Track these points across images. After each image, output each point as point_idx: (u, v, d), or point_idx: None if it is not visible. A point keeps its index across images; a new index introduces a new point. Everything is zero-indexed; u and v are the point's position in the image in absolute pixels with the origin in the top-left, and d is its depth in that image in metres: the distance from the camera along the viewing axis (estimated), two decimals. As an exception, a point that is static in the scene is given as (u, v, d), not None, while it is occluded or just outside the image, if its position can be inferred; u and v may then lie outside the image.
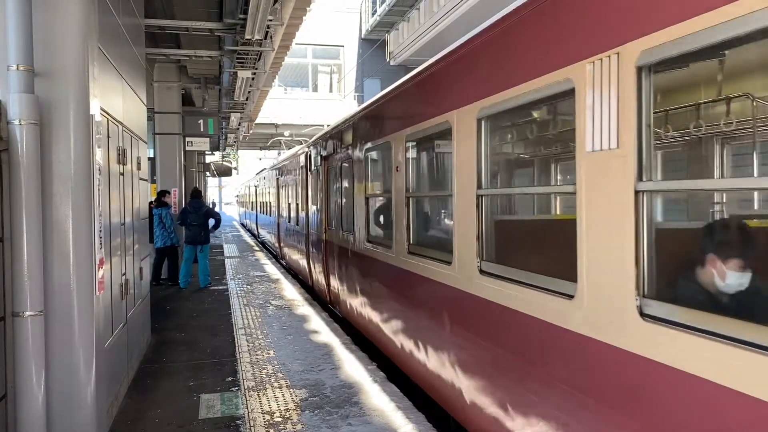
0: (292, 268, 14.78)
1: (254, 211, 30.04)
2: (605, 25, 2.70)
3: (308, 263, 11.70)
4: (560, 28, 3.05)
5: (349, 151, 7.88)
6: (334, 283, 9.18)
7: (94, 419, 4.16)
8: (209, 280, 12.47)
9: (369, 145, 6.92)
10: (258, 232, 27.99)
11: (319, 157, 10.30)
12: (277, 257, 18.59)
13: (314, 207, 10.97)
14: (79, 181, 4.05)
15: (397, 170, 5.72)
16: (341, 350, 7.07)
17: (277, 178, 17.94)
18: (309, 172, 11.49)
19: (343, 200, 8.55)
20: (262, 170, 27.47)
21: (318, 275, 10.67)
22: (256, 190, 28.33)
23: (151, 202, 11.79)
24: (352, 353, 6.92)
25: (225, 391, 5.70)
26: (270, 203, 20.94)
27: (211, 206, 16.40)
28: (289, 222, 14.89)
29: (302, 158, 12.41)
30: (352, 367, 6.38)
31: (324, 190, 9.97)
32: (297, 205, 13.43)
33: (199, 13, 10.32)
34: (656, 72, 2.54)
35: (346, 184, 8.36)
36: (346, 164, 8.24)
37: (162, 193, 12.42)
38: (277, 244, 18.38)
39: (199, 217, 12.11)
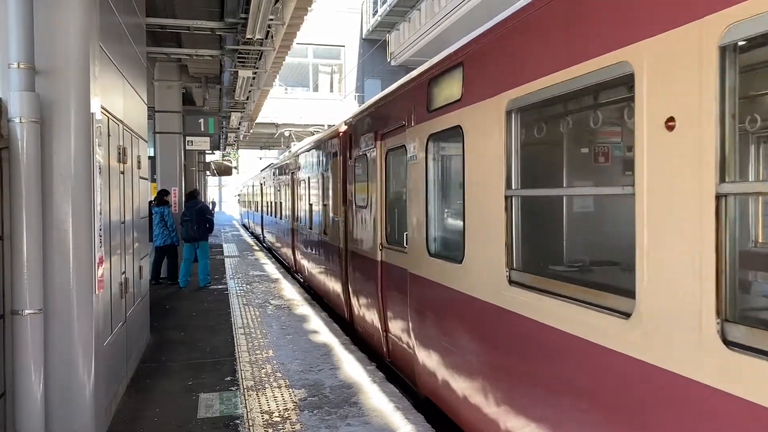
0: (317, 289, 11.04)
1: (259, 211, 25.65)
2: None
3: (346, 291, 8.37)
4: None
5: (450, 114, 4.47)
6: (402, 334, 5.92)
7: (93, 418, 4.16)
8: (209, 279, 12.47)
9: (529, 89, 3.41)
10: (263, 236, 23.98)
11: (370, 137, 6.86)
12: (290, 270, 15.17)
13: (359, 211, 7.55)
14: (80, 180, 4.05)
15: (671, 127, 2.42)
16: (340, 350, 7.07)
17: (292, 173, 14.30)
18: (348, 161, 8.12)
19: (429, 202, 5.12)
20: (269, 165, 23.81)
21: (365, 312, 7.41)
22: (261, 188, 24.06)
23: (150, 201, 11.83)
24: (351, 353, 6.91)
25: (224, 391, 5.70)
26: (281, 204, 16.92)
27: (210, 205, 16.32)
28: (311, 229, 11.43)
29: (335, 143, 8.90)
30: (352, 367, 6.38)
31: (380, 186, 6.64)
32: (325, 207, 9.90)
33: (200, 13, 10.34)
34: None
35: (433, 174, 5.08)
36: (438, 140, 4.99)
37: (163, 192, 12.42)
38: (290, 255, 14.77)
39: (192, 213, 12.10)
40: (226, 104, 17.79)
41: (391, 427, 4.75)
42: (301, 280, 13.22)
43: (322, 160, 10.11)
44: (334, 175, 9.02)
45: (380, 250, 6.63)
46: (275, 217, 18.71)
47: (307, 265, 12.18)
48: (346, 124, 8.38)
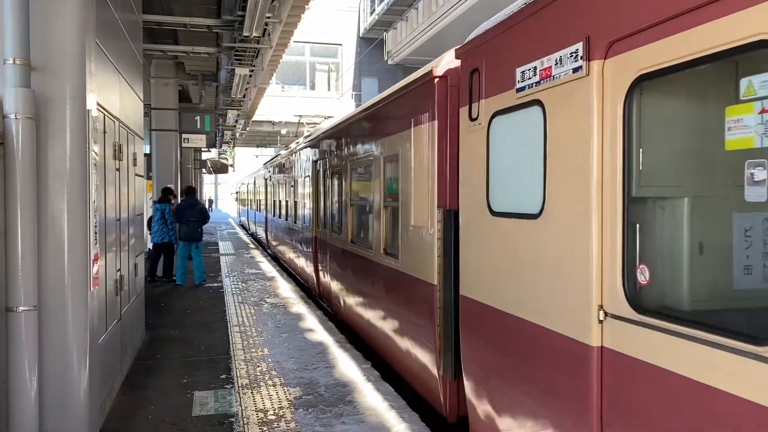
0: (369, 339, 7.01)
1: (263, 211, 21.07)
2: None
3: (450, 371, 4.68)
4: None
5: None
6: None
7: (87, 415, 4.15)
8: (204, 277, 12.46)
9: None
10: (267, 241, 19.79)
11: (565, 58, 3.09)
12: (310, 291, 11.32)
13: (496, 223, 3.85)
14: (75, 177, 4.04)
15: None
16: (336, 349, 7.07)
17: (315, 162, 10.40)
18: (466, 125, 4.29)
19: None
20: (277, 155, 19.35)
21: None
22: (266, 183, 19.66)
23: (160, 199, 11.90)
24: (346, 352, 6.92)
25: (219, 389, 5.70)
26: (295, 203, 13.03)
27: (207, 203, 16.26)
28: (353, 242, 7.81)
29: (422, 97, 5.14)
30: (347, 365, 6.38)
31: (602, 168, 2.86)
32: (387, 210, 6.33)
33: (197, 10, 10.31)
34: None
35: None
36: None
37: (167, 190, 12.38)
38: (312, 273, 10.70)
39: (195, 213, 12.17)
40: (223, 102, 17.78)
41: (386, 425, 4.75)
42: (331, 311, 9.39)
43: (383, 136, 6.30)
44: (414, 155, 5.30)
45: (599, 322, 2.86)
46: (287, 219, 14.45)
47: (344, 296, 8.23)
48: (460, 55, 4.35)
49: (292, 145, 14.50)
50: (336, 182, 8.89)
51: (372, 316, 6.80)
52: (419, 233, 5.22)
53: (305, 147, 11.65)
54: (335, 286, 8.91)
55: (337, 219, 8.81)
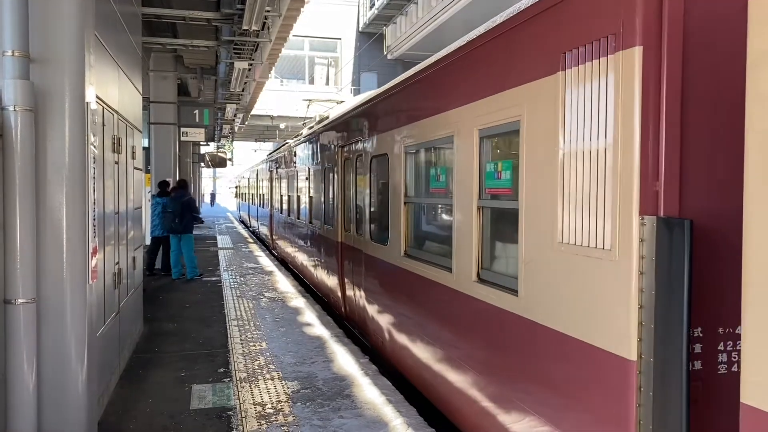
0: None
1: (267, 207, 18.50)
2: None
3: None
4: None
5: None
6: None
7: (85, 408, 4.15)
8: (197, 271, 12.30)
9: None
10: (271, 241, 17.81)
11: None
12: (332, 310, 9.17)
13: None
14: (74, 169, 4.03)
15: None
16: (334, 343, 7.08)
17: (340, 147, 8.37)
18: None
19: None
20: (284, 144, 15.74)
21: None
22: (271, 176, 17.17)
23: (159, 193, 11.82)
24: (344, 346, 6.93)
25: (217, 382, 5.71)
26: (311, 199, 10.79)
27: (209, 198, 16.06)
28: (406, 255, 5.69)
29: (594, 3, 2.89)
30: (345, 360, 6.39)
31: None
32: (478, 213, 4.18)
33: (196, 3, 10.28)
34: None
35: None
36: None
37: (164, 183, 12.30)
38: (335, 288, 8.72)
39: (176, 205, 11.78)
40: (222, 96, 17.76)
41: (383, 419, 4.77)
42: (367, 344, 7.20)
43: (482, 95, 4.02)
44: (564, 120, 3.11)
45: None
46: (298, 218, 12.28)
47: (392, 331, 6.10)
48: None
49: (305, 131, 12.14)
50: (378, 172, 6.68)
51: (453, 376, 4.50)
52: (580, 260, 3.02)
53: (327, 130, 9.24)
54: (375, 314, 6.66)
55: (379, 222, 6.62)
